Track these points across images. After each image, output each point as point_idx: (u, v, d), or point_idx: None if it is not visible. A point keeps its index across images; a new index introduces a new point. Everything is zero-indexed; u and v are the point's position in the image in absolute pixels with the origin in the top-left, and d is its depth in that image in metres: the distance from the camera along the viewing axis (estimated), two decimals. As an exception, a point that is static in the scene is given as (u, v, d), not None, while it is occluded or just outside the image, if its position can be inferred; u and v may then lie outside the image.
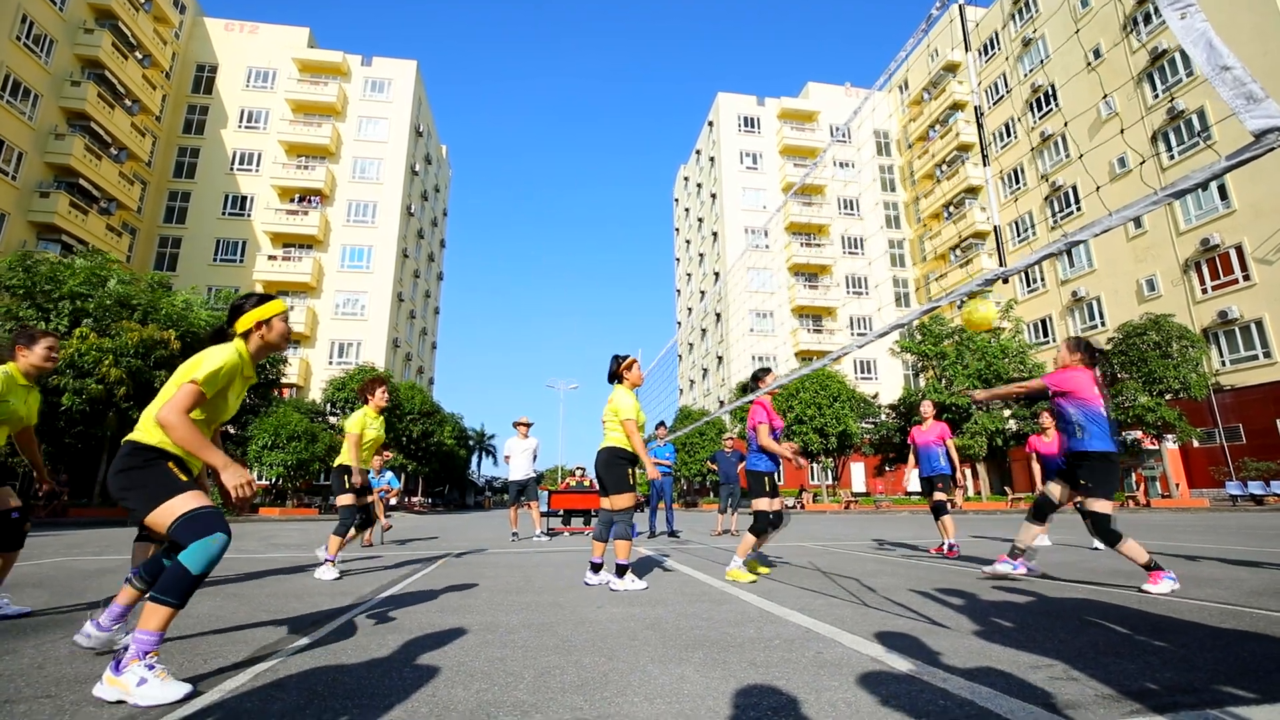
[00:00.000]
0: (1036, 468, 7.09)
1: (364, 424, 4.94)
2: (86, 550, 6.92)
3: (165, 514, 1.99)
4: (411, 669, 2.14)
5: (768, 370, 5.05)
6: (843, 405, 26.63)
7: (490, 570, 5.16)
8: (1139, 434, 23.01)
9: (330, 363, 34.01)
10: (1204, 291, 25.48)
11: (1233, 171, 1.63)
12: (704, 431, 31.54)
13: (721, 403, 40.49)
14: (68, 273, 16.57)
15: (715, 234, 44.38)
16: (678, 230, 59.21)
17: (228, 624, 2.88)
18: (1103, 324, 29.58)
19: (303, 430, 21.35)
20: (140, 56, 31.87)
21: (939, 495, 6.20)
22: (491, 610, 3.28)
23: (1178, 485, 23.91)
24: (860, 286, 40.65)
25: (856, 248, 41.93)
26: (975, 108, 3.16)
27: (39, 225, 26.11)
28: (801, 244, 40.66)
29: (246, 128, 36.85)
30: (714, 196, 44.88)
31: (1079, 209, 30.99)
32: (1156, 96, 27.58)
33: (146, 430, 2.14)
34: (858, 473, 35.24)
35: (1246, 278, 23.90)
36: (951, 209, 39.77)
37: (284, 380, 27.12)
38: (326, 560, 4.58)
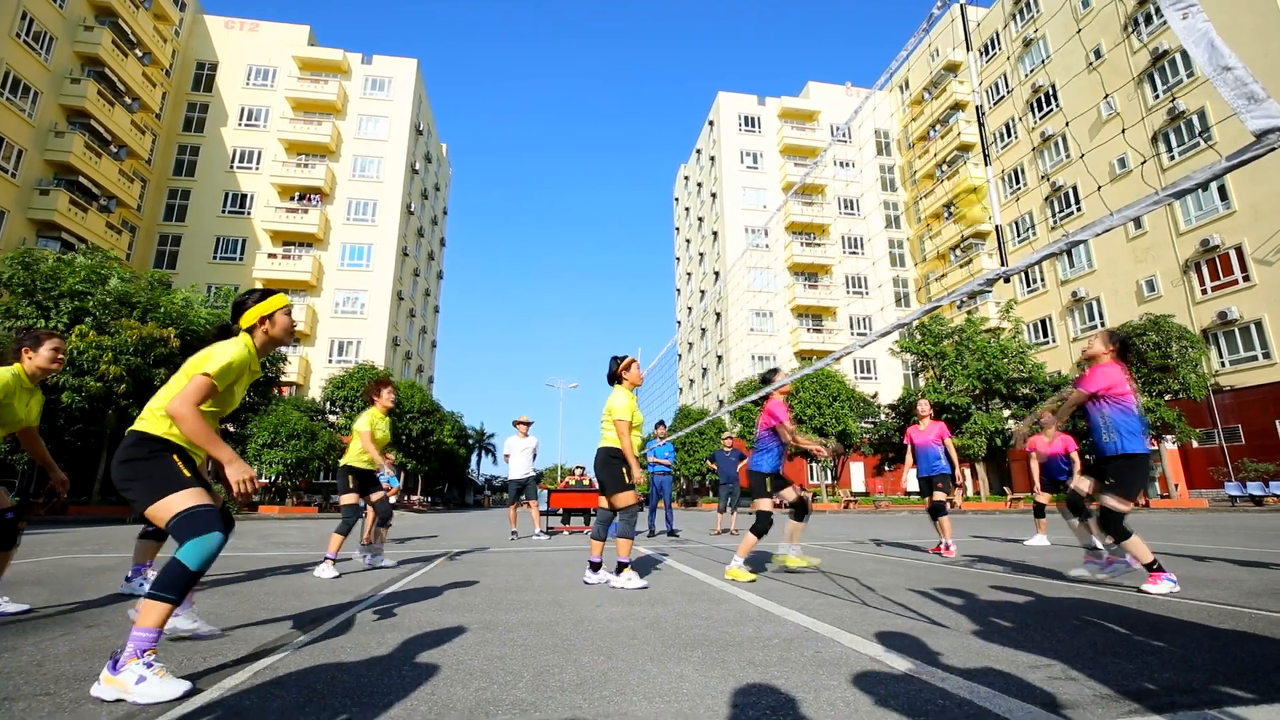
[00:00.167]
0: (1035, 468, 7.09)
1: (373, 423, 5.05)
2: (86, 548, 6.92)
3: (165, 509, 2.02)
4: (411, 667, 2.14)
5: (777, 370, 5.09)
6: (842, 405, 26.64)
7: (489, 569, 5.16)
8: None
9: (330, 361, 34.00)
10: (1204, 292, 25.47)
11: (1233, 172, 1.63)
12: (704, 431, 31.54)
13: (721, 402, 40.49)
14: (68, 271, 16.56)
15: (715, 233, 44.37)
16: (678, 230, 59.19)
17: (227, 622, 2.88)
18: (1102, 324, 29.57)
19: (302, 428, 21.34)
20: (140, 54, 31.83)
21: (938, 496, 6.19)
22: (491, 609, 3.28)
23: (1177, 486, 23.92)
24: (860, 286, 40.63)
25: (857, 247, 41.93)
26: (976, 107, 3.15)
27: (39, 223, 26.09)
28: (802, 244, 40.65)
29: (247, 125, 36.81)
30: (714, 196, 44.87)
31: (1079, 209, 30.98)
32: (1157, 97, 27.56)
33: (152, 420, 2.17)
34: (857, 472, 35.25)
35: (1246, 278, 23.91)
36: (952, 208, 39.77)
37: (284, 378, 27.10)
38: (327, 558, 4.59)
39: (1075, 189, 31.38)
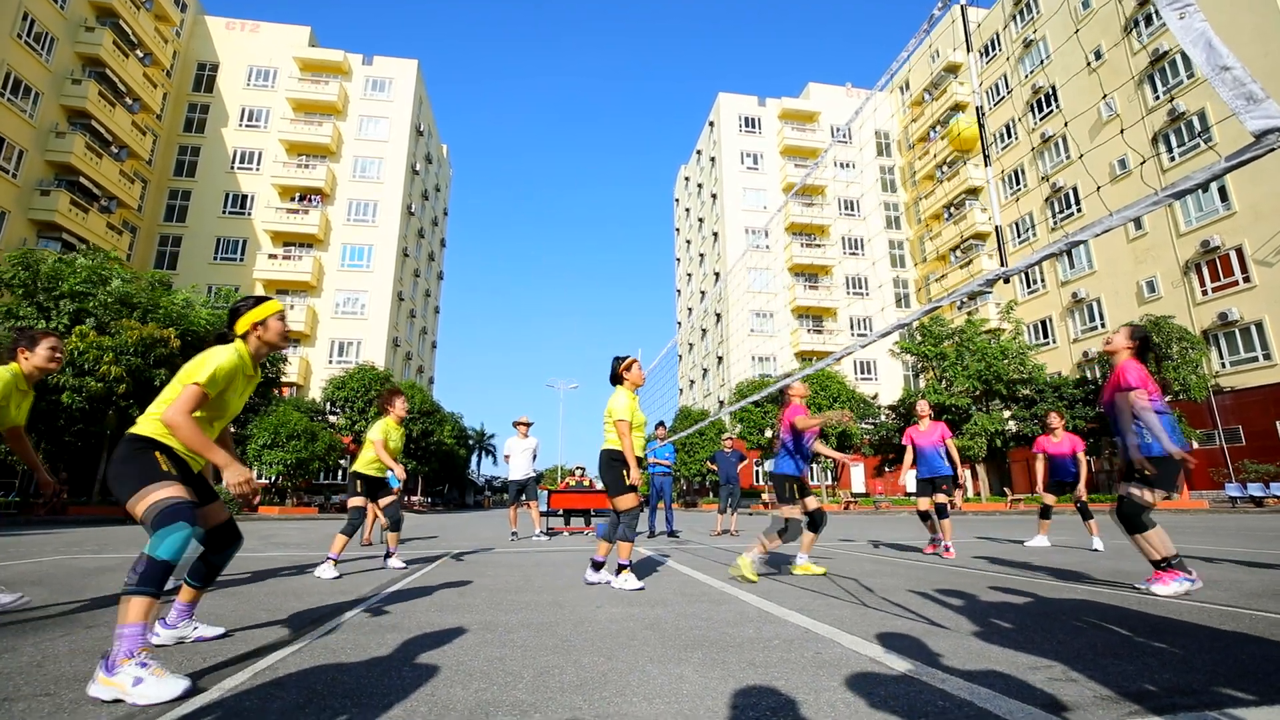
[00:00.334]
0: (1040, 469, 6.93)
1: (386, 433, 5.20)
2: (86, 548, 6.92)
3: (139, 502, 2.05)
4: (410, 668, 2.14)
5: (791, 384, 5.08)
6: (842, 406, 26.63)
7: (489, 569, 5.16)
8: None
9: (330, 362, 34.02)
10: (1204, 293, 25.47)
11: (1233, 172, 1.63)
12: (704, 431, 31.53)
13: (721, 403, 40.48)
14: (69, 271, 16.57)
15: (716, 234, 44.39)
16: (678, 230, 59.21)
17: (227, 622, 2.88)
18: (1103, 325, 29.58)
19: (302, 429, 21.35)
20: (141, 55, 31.88)
21: (940, 497, 6.16)
22: (491, 609, 3.28)
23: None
24: (861, 287, 40.64)
25: (857, 248, 41.94)
26: (977, 108, 3.16)
27: (39, 223, 26.11)
28: (802, 244, 40.67)
29: (247, 126, 36.85)
30: (714, 197, 44.89)
31: (1079, 210, 30.99)
32: (1157, 98, 27.57)
33: (146, 424, 2.21)
34: (857, 473, 35.25)
35: (1246, 279, 23.90)
36: (952, 210, 39.77)
37: (284, 379, 27.10)
38: (329, 559, 4.61)
39: (1075, 190, 31.38)
